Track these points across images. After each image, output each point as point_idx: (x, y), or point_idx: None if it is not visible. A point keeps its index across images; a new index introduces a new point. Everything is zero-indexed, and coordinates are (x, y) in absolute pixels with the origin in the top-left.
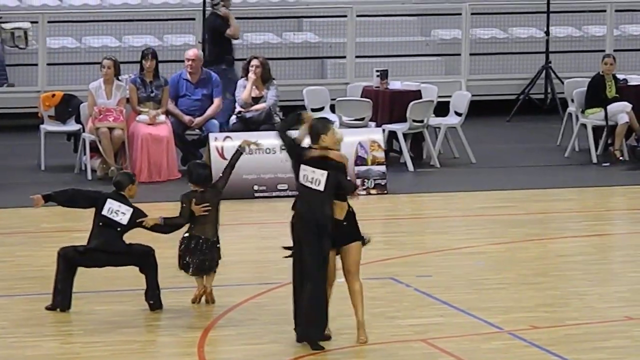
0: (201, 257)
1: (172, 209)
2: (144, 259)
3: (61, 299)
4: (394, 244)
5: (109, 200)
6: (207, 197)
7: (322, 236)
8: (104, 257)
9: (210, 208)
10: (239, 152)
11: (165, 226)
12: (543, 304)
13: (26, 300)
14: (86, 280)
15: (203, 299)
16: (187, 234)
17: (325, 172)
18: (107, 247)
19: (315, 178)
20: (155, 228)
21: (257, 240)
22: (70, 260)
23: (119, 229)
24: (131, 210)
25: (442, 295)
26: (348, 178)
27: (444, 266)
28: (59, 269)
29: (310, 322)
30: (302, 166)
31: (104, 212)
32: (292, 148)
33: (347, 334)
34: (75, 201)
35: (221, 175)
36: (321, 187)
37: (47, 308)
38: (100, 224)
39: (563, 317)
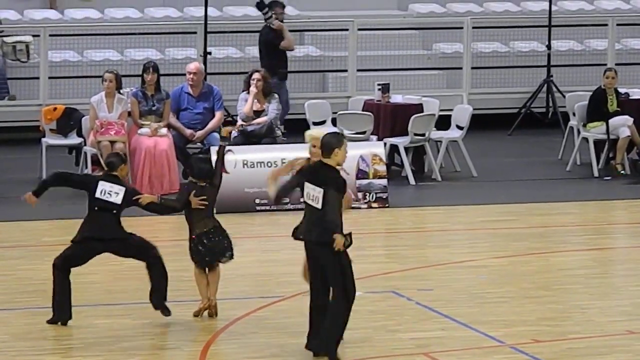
0: (219, 244)
1: (174, 222)
2: (144, 252)
3: (60, 313)
4: (396, 257)
5: (100, 183)
6: (206, 191)
7: (336, 251)
8: (100, 245)
9: (207, 203)
10: (222, 147)
11: (161, 205)
12: (545, 317)
13: (27, 314)
14: (87, 293)
15: (205, 312)
16: (194, 238)
17: (322, 190)
18: (104, 234)
19: (315, 195)
20: (150, 206)
21: (258, 254)
22: (65, 263)
23: (114, 212)
24: (124, 189)
25: (443, 309)
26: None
27: (445, 280)
28: (55, 281)
29: (327, 341)
30: (306, 184)
31: (97, 194)
32: (296, 184)
33: (349, 347)
34: (65, 181)
35: (215, 166)
36: (319, 205)
37: (49, 322)
38: (96, 208)
39: (565, 331)
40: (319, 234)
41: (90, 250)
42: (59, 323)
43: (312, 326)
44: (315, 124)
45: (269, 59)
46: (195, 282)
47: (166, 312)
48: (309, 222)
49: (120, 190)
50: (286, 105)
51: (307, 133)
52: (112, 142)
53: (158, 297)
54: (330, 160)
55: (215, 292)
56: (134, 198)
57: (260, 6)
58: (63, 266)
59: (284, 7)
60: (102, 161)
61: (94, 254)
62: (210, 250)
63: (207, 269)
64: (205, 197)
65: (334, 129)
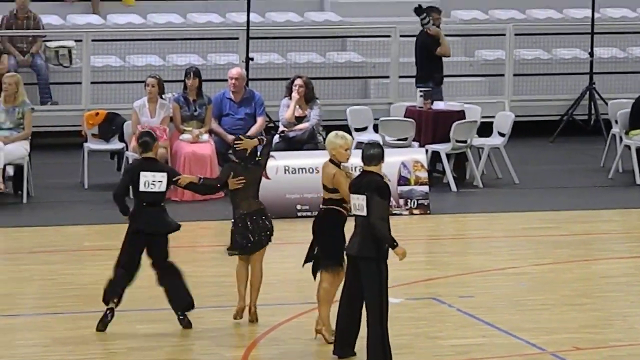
0: (262, 226)
1: (215, 227)
2: (166, 257)
3: (112, 294)
4: (437, 264)
5: (142, 174)
6: (249, 171)
7: (380, 262)
8: (144, 239)
9: (244, 182)
10: (268, 138)
11: (201, 185)
12: (586, 325)
13: (69, 319)
14: (128, 299)
15: (247, 317)
16: (236, 217)
17: (364, 196)
18: (151, 228)
19: (359, 204)
20: (190, 186)
21: (299, 260)
22: (127, 270)
23: (162, 204)
24: (165, 174)
25: (484, 316)
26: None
27: (486, 287)
28: (115, 275)
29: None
30: (351, 195)
31: (142, 187)
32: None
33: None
34: (124, 194)
35: (262, 153)
36: (365, 212)
37: (104, 319)
38: (144, 204)
39: (606, 339)
40: (359, 248)
41: (139, 246)
42: (109, 306)
43: (338, 333)
44: (357, 130)
45: (425, 63)
46: (236, 277)
47: (188, 323)
48: (355, 234)
49: (163, 177)
50: None
51: (340, 137)
52: None
53: (184, 300)
54: (375, 168)
55: (256, 298)
56: (173, 179)
57: (418, 11)
58: (127, 272)
59: (440, 12)
60: None
61: (142, 249)
62: (252, 234)
63: (249, 265)
64: (243, 178)
65: (376, 135)
